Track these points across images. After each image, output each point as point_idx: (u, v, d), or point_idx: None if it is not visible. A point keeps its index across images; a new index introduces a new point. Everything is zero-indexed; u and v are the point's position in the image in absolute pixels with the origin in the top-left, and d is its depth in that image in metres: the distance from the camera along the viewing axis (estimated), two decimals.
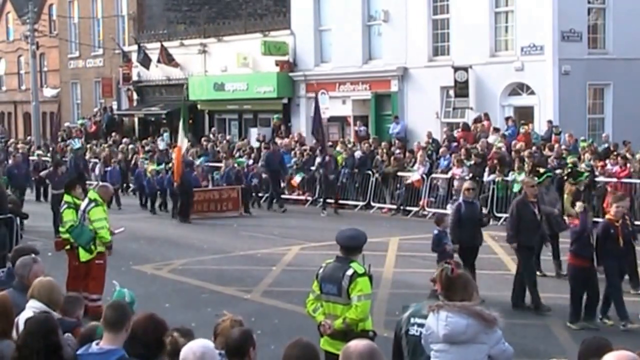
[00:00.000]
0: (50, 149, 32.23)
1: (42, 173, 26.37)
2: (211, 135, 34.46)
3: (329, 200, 25.17)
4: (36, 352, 5.44)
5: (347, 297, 7.31)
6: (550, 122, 25.48)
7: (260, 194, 27.07)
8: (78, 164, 28.07)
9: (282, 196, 26.51)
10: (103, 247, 13.11)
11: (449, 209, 23.73)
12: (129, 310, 5.81)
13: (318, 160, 26.17)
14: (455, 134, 26.71)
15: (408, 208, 24.60)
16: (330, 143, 29.02)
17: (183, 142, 25.02)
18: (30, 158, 31.56)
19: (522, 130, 25.39)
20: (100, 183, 14.30)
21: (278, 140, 30.74)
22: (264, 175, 26.59)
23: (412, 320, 6.17)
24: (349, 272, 7.30)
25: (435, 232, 13.58)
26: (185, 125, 25.77)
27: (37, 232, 21.16)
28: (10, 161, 28.02)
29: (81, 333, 6.25)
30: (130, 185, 30.36)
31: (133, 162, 30.46)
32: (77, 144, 31.32)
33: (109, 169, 29.19)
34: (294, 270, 16.17)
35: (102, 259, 13.09)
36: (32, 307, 6.48)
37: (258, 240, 20.35)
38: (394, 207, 24.90)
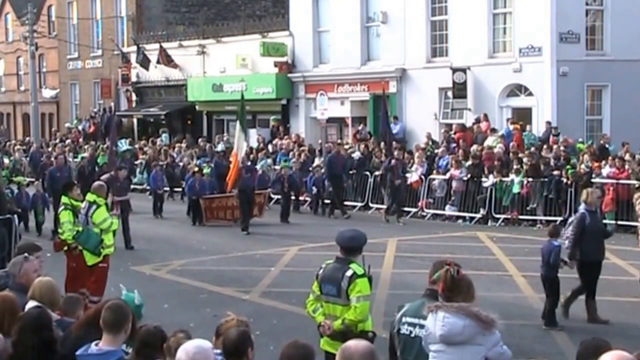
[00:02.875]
0: (108, 150, 29.13)
1: (104, 177, 23.71)
2: (216, 138, 34.19)
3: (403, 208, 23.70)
4: (31, 348, 5.46)
5: (346, 298, 7.32)
6: (548, 123, 25.52)
7: (326, 201, 25.17)
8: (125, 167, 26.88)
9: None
10: (109, 250, 13.13)
11: (448, 210, 23.90)
12: (128, 311, 5.82)
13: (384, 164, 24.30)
14: (453, 134, 26.78)
15: (406, 209, 24.61)
16: (328, 144, 29.05)
17: (242, 145, 22.70)
18: (75, 160, 29.77)
19: (510, 127, 25.47)
20: (96, 183, 14.08)
21: (277, 142, 30.77)
22: (326, 182, 24.82)
23: (403, 319, 6.19)
24: (349, 273, 7.31)
25: (555, 243, 12.01)
26: (244, 127, 23.38)
27: (35, 234, 21.22)
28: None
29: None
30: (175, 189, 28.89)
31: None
32: (124, 145, 29.83)
33: (152, 172, 26.97)
34: (293, 271, 16.20)
35: (106, 263, 13.10)
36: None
37: (257, 241, 20.37)
38: (385, 207, 24.88)
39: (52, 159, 26.63)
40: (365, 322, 7.46)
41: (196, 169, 25.24)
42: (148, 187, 28.45)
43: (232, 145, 24.59)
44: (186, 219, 24.24)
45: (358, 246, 7.51)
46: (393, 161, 23.32)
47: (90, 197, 13.15)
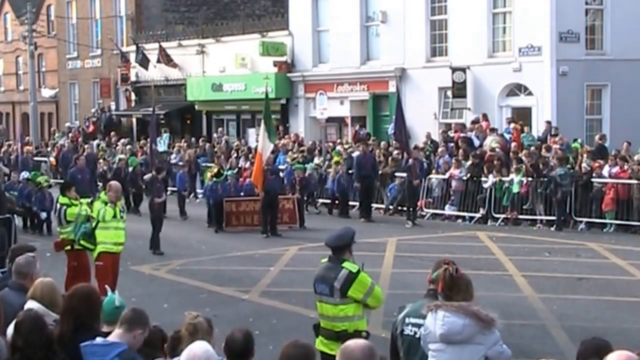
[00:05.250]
0: (148, 152, 26.28)
1: (146, 177, 22.67)
2: (215, 136, 34.18)
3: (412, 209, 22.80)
4: (39, 348, 5.47)
5: (339, 297, 7.31)
6: (548, 122, 25.51)
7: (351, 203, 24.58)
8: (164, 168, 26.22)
9: None
10: (103, 247, 13.15)
11: (447, 209, 23.87)
12: (146, 318, 5.80)
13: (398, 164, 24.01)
14: (451, 134, 26.76)
15: (405, 208, 24.55)
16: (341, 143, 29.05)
17: (266, 145, 21.65)
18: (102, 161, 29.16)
19: (510, 127, 25.45)
20: (111, 183, 14.25)
21: (276, 141, 30.70)
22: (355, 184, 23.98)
23: (407, 320, 6.18)
24: (343, 273, 7.30)
25: None
26: (270, 127, 22.20)
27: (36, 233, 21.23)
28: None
29: None
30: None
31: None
32: (162, 145, 29.31)
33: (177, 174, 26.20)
34: (292, 270, 16.18)
35: (102, 261, 13.12)
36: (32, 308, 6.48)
37: (256, 240, 20.35)
38: (387, 207, 24.80)
39: (76, 160, 25.55)
40: (362, 320, 7.43)
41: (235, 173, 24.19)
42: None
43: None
44: (187, 219, 24.26)
45: (344, 244, 7.46)
46: (411, 161, 22.84)
47: (103, 197, 13.40)
